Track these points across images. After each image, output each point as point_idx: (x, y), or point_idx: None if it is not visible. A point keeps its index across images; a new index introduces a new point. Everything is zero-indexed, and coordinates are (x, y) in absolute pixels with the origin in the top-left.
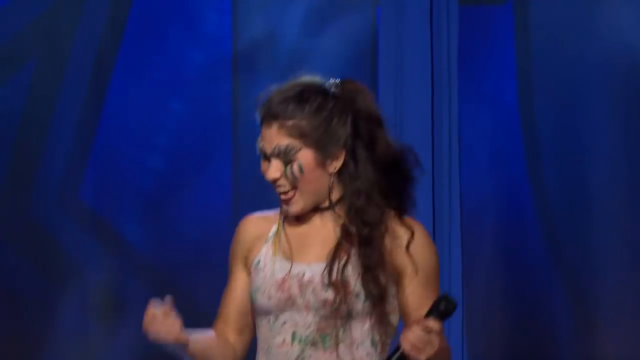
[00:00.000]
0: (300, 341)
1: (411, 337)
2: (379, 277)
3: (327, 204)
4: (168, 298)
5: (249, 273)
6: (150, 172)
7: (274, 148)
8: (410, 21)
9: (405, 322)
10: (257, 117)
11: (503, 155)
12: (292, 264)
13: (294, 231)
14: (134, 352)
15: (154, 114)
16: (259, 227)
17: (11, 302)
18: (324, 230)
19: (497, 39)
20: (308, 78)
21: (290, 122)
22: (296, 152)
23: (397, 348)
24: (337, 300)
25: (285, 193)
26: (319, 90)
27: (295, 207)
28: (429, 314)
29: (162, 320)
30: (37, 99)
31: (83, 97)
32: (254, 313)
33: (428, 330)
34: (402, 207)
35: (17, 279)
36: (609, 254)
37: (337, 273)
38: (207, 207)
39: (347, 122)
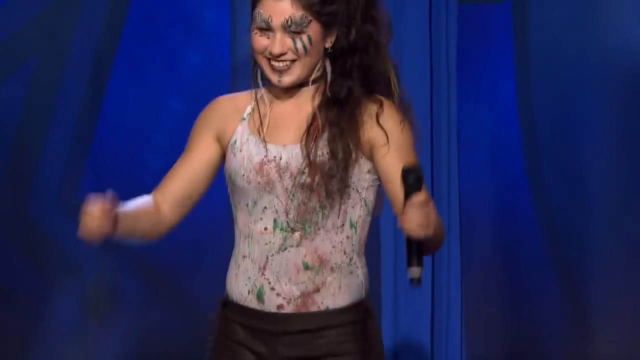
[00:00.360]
0: (282, 229)
1: (411, 220)
2: (347, 141)
3: (309, 79)
4: (108, 192)
5: (221, 150)
6: (149, 172)
7: (288, 19)
8: (409, 20)
9: (387, 191)
10: None
11: (501, 155)
12: (267, 147)
13: (270, 111)
14: (131, 351)
15: (153, 113)
16: (232, 105)
17: (8, 300)
18: (298, 111)
19: (496, 38)
20: None
21: None
22: (308, 23)
23: (409, 241)
24: (315, 183)
25: (284, 65)
26: None
27: (290, 77)
28: (406, 193)
29: (97, 217)
30: (36, 99)
31: (82, 96)
32: (231, 196)
33: (419, 205)
34: (375, 88)
35: (15, 278)
36: (607, 254)
37: (312, 155)
38: (205, 207)
39: (337, 3)
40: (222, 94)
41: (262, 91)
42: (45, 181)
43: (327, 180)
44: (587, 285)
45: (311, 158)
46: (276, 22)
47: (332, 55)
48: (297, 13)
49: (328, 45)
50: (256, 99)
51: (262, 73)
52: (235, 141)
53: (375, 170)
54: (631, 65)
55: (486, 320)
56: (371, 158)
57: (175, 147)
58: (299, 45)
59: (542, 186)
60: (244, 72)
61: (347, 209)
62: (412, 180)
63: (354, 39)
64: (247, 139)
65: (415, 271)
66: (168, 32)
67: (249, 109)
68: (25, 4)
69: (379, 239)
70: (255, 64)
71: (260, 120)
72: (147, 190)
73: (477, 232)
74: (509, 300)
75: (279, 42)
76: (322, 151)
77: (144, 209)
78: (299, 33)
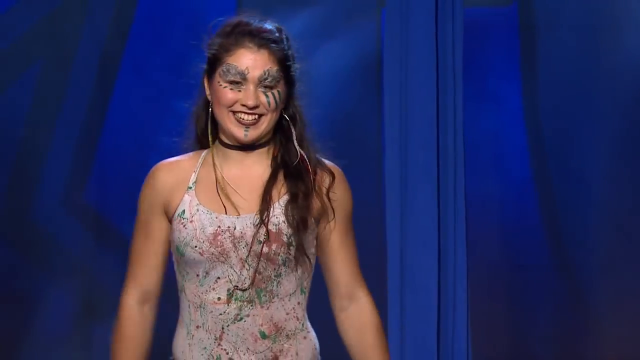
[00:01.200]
0: (236, 299)
1: None
2: (304, 206)
3: (263, 140)
4: None
5: (168, 223)
6: None
7: (266, 72)
8: (416, 22)
9: (322, 262)
10: (226, 42)
11: (507, 157)
12: (220, 217)
13: (219, 177)
14: None
15: (159, 114)
16: (175, 174)
17: (14, 302)
18: (248, 175)
19: (502, 40)
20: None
21: (278, 51)
22: (280, 79)
23: None
24: (273, 252)
25: (253, 119)
26: (284, 30)
27: (256, 132)
28: None
29: None
30: (43, 100)
31: (88, 98)
32: (177, 265)
33: None
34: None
35: (20, 280)
36: (613, 256)
37: (269, 223)
38: None
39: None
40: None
41: (203, 154)
42: (50, 183)
43: (286, 248)
44: (592, 287)
45: (268, 227)
46: (253, 74)
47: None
48: (274, 67)
49: (282, 106)
50: (201, 165)
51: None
52: (184, 211)
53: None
54: (638, 66)
55: (492, 322)
56: (317, 226)
57: (180, 148)
58: (271, 99)
59: (548, 189)
60: None
61: (300, 275)
62: None
63: (298, 103)
64: (197, 209)
65: None
66: (174, 34)
67: (194, 177)
68: (31, 6)
69: (385, 243)
70: (205, 123)
71: (210, 187)
72: None
73: (483, 234)
74: (514, 301)
75: (254, 94)
76: (278, 219)
77: (139, 345)
78: (271, 88)
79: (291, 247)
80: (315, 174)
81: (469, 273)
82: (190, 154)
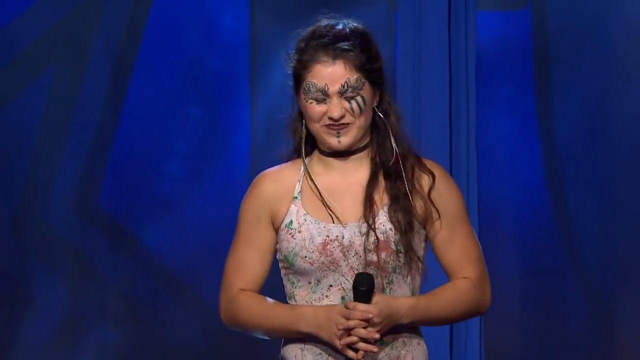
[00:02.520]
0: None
1: (344, 343)
2: (406, 208)
3: (361, 144)
4: None
5: (274, 233)
6: (168, 177)
7: (344, 84)
8: (428, 26)
9: (440, 261)
10: (302, 58)
11: (521, 160)
12: (328, 226)
13: (322, 186)
14: (150, 353)
15: (172, 119)
16: (280, 184)
17: (29, 306)
18: (348, 182)
19: (515, 43)
20: (335, 21)
21: (354, 58)
22: (363, 85)
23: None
24: (383, 260)
25: (343, 128)
26: (365, 30)
27: (348, 138)
28: (355, 299)
29: None
30: (56, 103)
31: (102, 101)
32: (285, 272)
33: (362, 316)
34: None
35: (35, 283)
36: (628, 259)
37: (376, 232)
38: (224, 211)
39: (381, 60)
40: (240, 101)
41: (303, 163)
42: (64, 186)
43: (395, 256)
44: (608, 290)
45: (376, 235)
46: (333, 89)
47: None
48: (352, 76)
49: (375, 104)
50: (304, 174)
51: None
52: (291, 222)
53: (426, 239)
54: None
55: (505, 325)
56: (424, 227)
57: (194, 152)
58: (354, 106)
59: (561, 193)
60: (261, 78)
61: (411, 280)
62: (360, 290)
63: (390, 97)
64: (305, 219)
65: None
66: (187, 39)
67: (298, 186)
68: (46, 11)
69: None
70: (300, 130)
71: (315, 197)
72: (166, 195)
73: (496, 239)
74: (528, 305)
75: (337, 107)
76: (384, 227)
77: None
78: (353, 96)
79: (400, 254)
80: (413, 171)
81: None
82: (289, 163)
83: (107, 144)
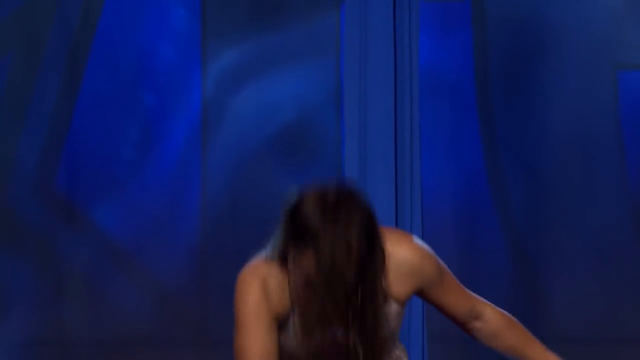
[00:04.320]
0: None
1: None
2: (385, 306)
3: None
4: None
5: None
6: (122, 163)
7: None
8: (374, 16)
9: (445, 314)
10: None
11: (462, 147)
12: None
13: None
14: (106, 329)
15: (126, 106)
16: (277, 282)
17: None
18: None
19: (456, 33)
20: None
21: None
22: None
23: None
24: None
25: None
26: None
27: None
28: None
29: None
30: (13, 91)
31: (58, 88)
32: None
33: None
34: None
35: None
36: (563, 240)
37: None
38: (171, 192)
39: None
40: (192, 89)
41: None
42: (22, 172)
43: (392, 330)
44: (543, 270)
45: (389, 318)
46: None
47: None
48: None
49: None
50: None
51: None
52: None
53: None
54: (582, 55)
55: None
56: (406, 301)
57: (145, 137)
58: None
59: (500, 174)
60: (213, 67)
61: (394, 355)
62: None
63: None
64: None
65: None
66: (141, 28)
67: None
68: (3, 1)
69: None
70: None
71: None
72: (118, 178)
73: (438, 221)
74: (468, 285)
75: None
76: (395, 310)
77: None
78: None
79: (388, 341)
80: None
81: None
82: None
83: (63, 130)
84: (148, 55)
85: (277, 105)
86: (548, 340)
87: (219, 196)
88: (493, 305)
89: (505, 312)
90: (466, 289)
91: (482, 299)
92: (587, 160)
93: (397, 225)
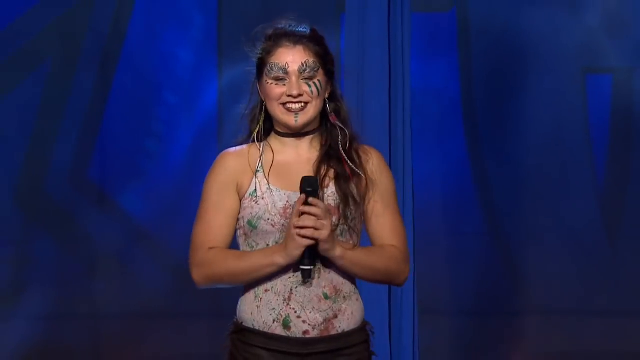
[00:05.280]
0: (301, 264)
1: (302, 222)
2: (349, 183)
3: (311, 127)
4: None
5: (239, 201)
6: (147, 155)
7: (304, 63)
8: (371, 26)
9: (367, 229)
10: (267, 45)
11: (447, 139)
12: (287, 193)
13: (280, 161)
14: (131, 302)
15: (150, 103)
16: (242, 160)
17: (29, 265)
18: (300, 160)
19: (444, 39)
20: (294, 21)
21: (313, 45)
22: (318, 69)
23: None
24: (333, 224)
25: (300, 107)
26: (316, 29)
27: (305, 117)
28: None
29: None
30: (52, 91)
31: (91, 89)
32: (246, 238)
33: (309, 210)
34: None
35: (35, 247)
36: (537, 223)
37: (326, 201)
38: (189, 182)
39: (333, 57)
40: (209, 88)
41: (262, 144)
42: (59, 162)
43: (343, 219)
44: (520, 249)
45: (327, 203)
46: (293, 67)
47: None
48: (310, 59)
49: (326, 95)
50: (261, 150)
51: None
52: (255, 190)
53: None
54: (557, 59)
55: (434, 280)
56: (363, 201)
57: (169, 134)
58: (313, 88)
59: (481, 167)
60: (228, 70)
61: (354, 245)
62: (307, 189)
63: (339, 95)
64: (268, 188)
65: (304, 266)
66: (163, 35)
67: (259, 162)
68: (44, 11)
69: None
70: (258, 116)
71: (276, 170)
72: (143, 168)
73: (428, 206)
74: (454, 263)
75: (296, 85)
76: (333, 197)
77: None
78: (311, 78)
79: (347, 219)
80: (358, 154)
81: (415, 238)
82: (245, 146)
83: (95, 126)
84: (170, 59)
85: None
86: (523, 310)
87: None
88: (400, 251)
89: (397, 251)
90: (402, 239)
91: (404, 243)
92: (560, 153)
93: None
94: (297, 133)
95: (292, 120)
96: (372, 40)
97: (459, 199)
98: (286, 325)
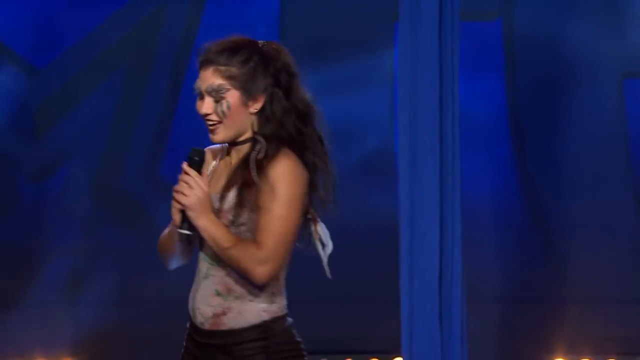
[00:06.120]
0: (205, 260)
1: (176, 188)
2: (247, 190)
3: (243, 138)
4: None
5: None
6: None
7: (208, 86)
8: (423, 34)
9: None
10: (197, 64)
11: (494, 140)
12: (213, 195)
13: (219, 166)
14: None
15: None
16: (209, 158)
17: (104, 256)
18: (232, 164)
19: (490, 47)
20: (241, 36)
21: (223, 67)
22: (225, 91)
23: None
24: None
25: (212, 125)
26: (250, 45)
27: (218, 136)
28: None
29: None
30: (128, 95)
31: (163, 93)
32: None
33: (182, 176)
34: (299, 147)
35: (113, 238)
36: (579, 216)
37: (223, 203)
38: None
39: (269, 73)
40: None
41: (226, 147)
42: (134, 161)
43: (229, 224)
44: (562, 242)
45: (222, 205)
46: (202, 88)
47: (264, 118)
48: (216, 82)
49: (253, 110)
50: (220, 155)
51: None
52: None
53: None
54: (595, 68)
55: (482, 270)
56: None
57: None
58: (219, 109)
59: (526, 164)
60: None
61: None
62: (194, 160)
63: (276, 109)
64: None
65: (180, 229)
66: None
67: (214, 163)
68: (119, 22)
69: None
70: None
71: (213, 173)
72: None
73: (475, 203)
74: (501, 254)
75: (205, 104)
76: (231, 201)
77: None
78: (219, 99)
79: (234, 223)
80: (266, 164)
81: (463, 234)
82: (219, 146)
83: (166, 129)
84: None
85: (340, 116)
86: (565, 298)
87: None
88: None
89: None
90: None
91: (266, 245)
92: (599, 153)
93: (441, 205)
94: (231, 142)
95: (211, 137)
96: (424, 48)
97: (505, 195)
98: (194, 314)
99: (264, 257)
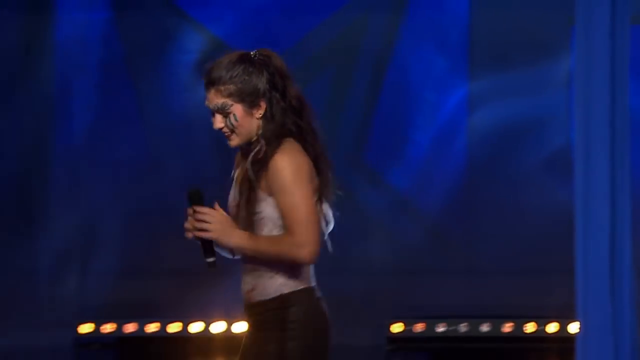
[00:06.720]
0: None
1: (189, 226)
2: (247, 187)
3: (254, 139)
4: None
5: None
6: (415, 143)
7: (214, 106)
8: (596, 36)
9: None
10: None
11: None
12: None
13: (240, 169)
14: (391, 259)
15: (414, 103)
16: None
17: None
18: (243, 164)
19: None
20: (236, 52)
21: (222, 87)
22: (229, 107)
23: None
24: (233, 215)
25: (227, 135)
26: (243, 59)
27: (233, 143)
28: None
29: None
30: (336, 91)
31: (365, 89)
32: None
33: (190, 215)
34: (299, 140)
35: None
36: None
37: (234, 198)
38: (445, 160)
39: (264, 79)
40: (459, 93)
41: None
42: (340, 147)
43: (235, 214)
44: None
45: (241, 199)
46: (210, 107)
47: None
48: (219, 101)
49: (258, 116)
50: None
51: None
52: None
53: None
54: None
55: None
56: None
57: (430, 125)
58: (228, 122)
59: None
60: (477, 77)
61: (257, 232)
62: (190, 197)
63: (275, 111)
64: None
65: (208, 259)
66: (422, 46)
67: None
68: (330, 26)
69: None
70: None
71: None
72: (410, 153)
73: None
74: None
75: (217, 121)
76: (238, 195)
77: None
78: (225, 115)
79: (240, 217)
80: (266, 161)
81: (632, 216)
82: None
83: (369, 120)
84: (428, 65)
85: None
86: None
87: (481, 157)
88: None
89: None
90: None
91: (297, 230)
92: None
93: (612, 194)
94: (246, 145)
95: (228, 143)
96: (597, 50)
97: None
98: (242, 294)
99: (300, 241)
